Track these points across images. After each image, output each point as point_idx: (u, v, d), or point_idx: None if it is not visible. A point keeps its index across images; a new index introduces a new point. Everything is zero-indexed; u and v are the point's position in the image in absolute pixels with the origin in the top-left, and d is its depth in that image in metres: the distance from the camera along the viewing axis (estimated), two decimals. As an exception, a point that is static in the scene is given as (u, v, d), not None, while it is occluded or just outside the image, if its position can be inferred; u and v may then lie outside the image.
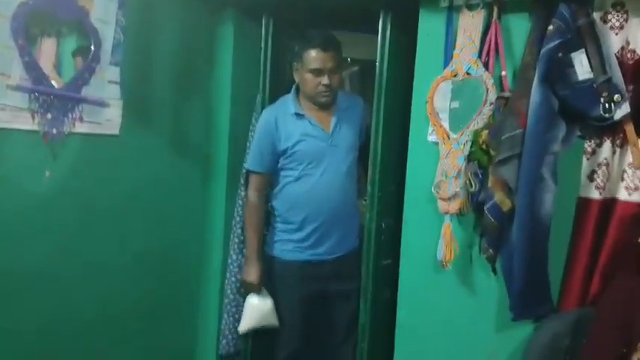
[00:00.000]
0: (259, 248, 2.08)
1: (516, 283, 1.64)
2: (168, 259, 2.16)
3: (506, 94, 1.68)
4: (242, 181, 2.20)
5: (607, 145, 1.59)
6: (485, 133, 1.68)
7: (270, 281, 2.11)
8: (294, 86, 2.11)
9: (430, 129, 1.81)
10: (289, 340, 2.10)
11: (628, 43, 1.56)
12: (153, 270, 2.08)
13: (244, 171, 2.18)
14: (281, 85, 2.27)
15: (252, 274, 2.05)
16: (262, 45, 2.24)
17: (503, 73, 1.69)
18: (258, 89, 2.26)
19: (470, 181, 1.71)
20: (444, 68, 1.77)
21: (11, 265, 1.63)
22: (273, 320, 2.07)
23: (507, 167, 1.62)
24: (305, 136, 2.02)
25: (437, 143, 1.79)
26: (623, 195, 1.57)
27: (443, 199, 1.75)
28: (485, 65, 1.71)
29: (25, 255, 1.66)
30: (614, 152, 1.59)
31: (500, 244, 1.68)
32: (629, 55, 1.57)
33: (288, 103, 2.08)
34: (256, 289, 2.06)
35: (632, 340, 1.40)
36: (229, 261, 2.23)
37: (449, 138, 1.75)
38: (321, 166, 2.02)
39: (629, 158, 1.55)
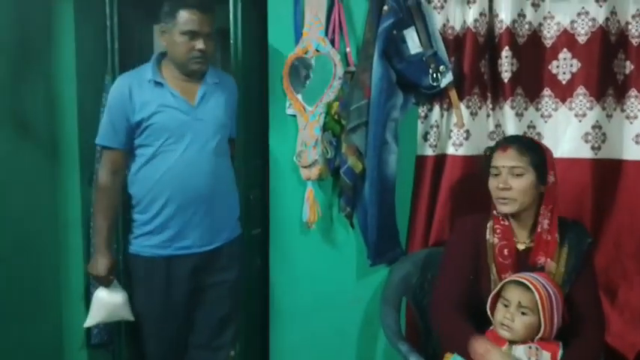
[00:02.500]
0: (110, 237, 1.83)
1: (371, 234, 1.86)
2: (23, 251, 2.04)
3: (352, 68, 1.87)
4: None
5: (436, 109, 1.87)
6: (336, 104, 1.86)
7: (134, 282, 1.86)
8: (156, 53, 1.86)
9: (287, 103, 1.94)
10: (157, 342, 1.89)
11: (448, 20, 1.83)
12: (5, 267, 1.96)
13: (98, 148, 1.98)
14: (132, 65, 2.08)
15: (100, 267, 1.78)
16: (108, 22, 2.15)
17: (348, 49, 1.88)
18: (106, 69, 2.16)
19: (326, 149, 1.88)
20: (295, 46, 1.90)
21: None
22: (125, 314, 1.85)
23: (357, 134, 1.82)
24: (163, 107, 1.74)
25: (295, 116, 1.93)
26: (450, 150, 1.87)
27: (304, 167, 1.91)
28: (332, 42, 1.87)
29: None
30: (442, 115, 1.87)
31: (355, 202, 1.90)
32: (449, 31, 1.84)
33: (146, 69, 1.80)
34: (105, 282, 1.82)
35: (482, 267, 1.55)
36: (92, 250, 2.06)
37: (305, 111, 1.90)
38: (183, 142, 1.74)
39: (454, 119, 1.85)
